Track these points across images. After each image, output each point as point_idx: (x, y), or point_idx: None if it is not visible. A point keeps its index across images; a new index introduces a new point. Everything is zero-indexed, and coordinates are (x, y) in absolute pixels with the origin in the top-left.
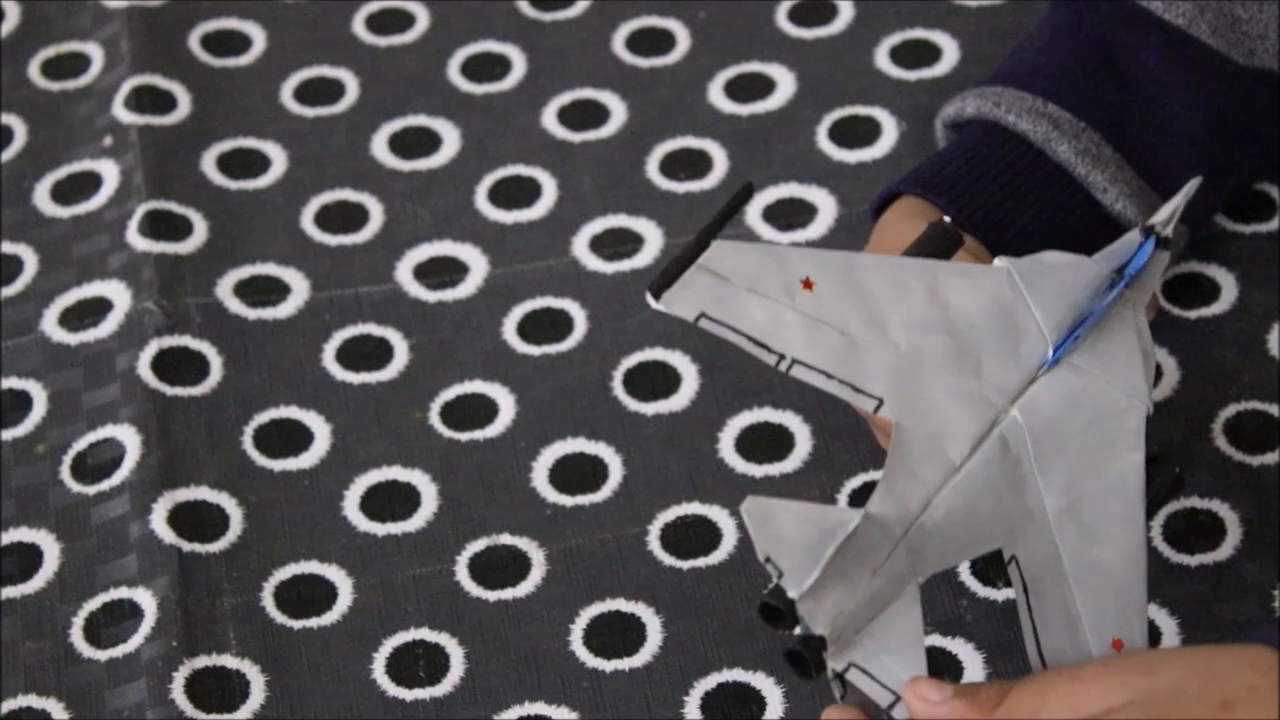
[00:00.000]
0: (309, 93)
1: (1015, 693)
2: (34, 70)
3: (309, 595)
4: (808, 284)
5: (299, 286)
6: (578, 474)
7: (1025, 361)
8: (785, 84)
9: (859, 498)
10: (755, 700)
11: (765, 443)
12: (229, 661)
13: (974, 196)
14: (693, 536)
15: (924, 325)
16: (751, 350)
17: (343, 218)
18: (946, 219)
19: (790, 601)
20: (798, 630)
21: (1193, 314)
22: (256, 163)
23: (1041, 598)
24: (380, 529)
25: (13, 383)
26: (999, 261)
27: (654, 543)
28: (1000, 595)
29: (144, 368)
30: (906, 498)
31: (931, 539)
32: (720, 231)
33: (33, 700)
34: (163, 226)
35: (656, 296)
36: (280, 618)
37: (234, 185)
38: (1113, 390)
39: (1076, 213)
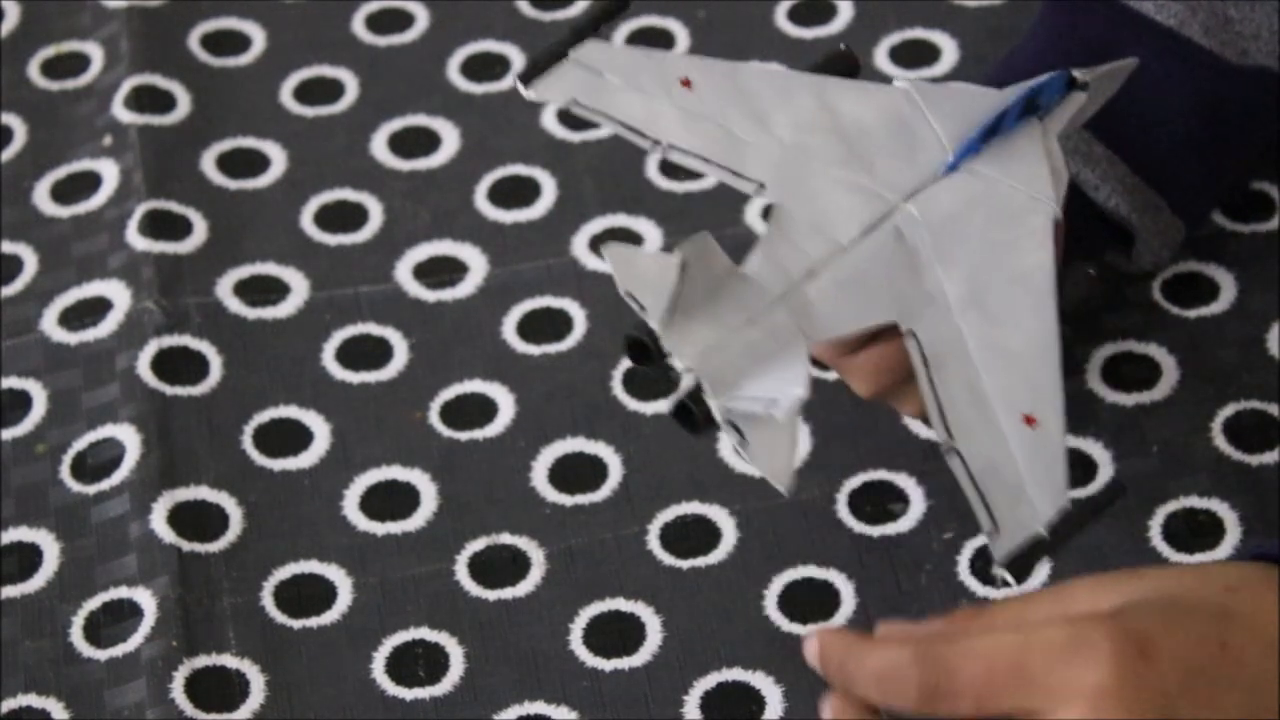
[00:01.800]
0: (309, 93)
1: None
2: (34, 70)
3: (309, 595)
4: (686, 83)
5: (299, 286)
6: (578, 474)
7: (922, 167)
8: None
9: (859, 498)
10: (755, 700)
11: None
12: (229, 661)
13: None
14: (692, 536)
15: (810, 126)
16: (626, 136)
17: (342, 217)
18: (843, 45)
19: (653, 333)
20: (673, 375)
21: (1192, 314)
22: (256, 163)
23: (943, 372)
24: (380, 529)
25: (13, 382)
26: (899, 81)
27: (654, 542)
28: (1001, 595)
29: (144, 367)
30: (786, 264)
31: (818, 305)
32: (595, 33)
33: (33, 700)
34: (162, 226)
35: (525, 84)
36: (280, 617)
37: (234, 185)
38: (1017, 193)
39: (1070, 212)
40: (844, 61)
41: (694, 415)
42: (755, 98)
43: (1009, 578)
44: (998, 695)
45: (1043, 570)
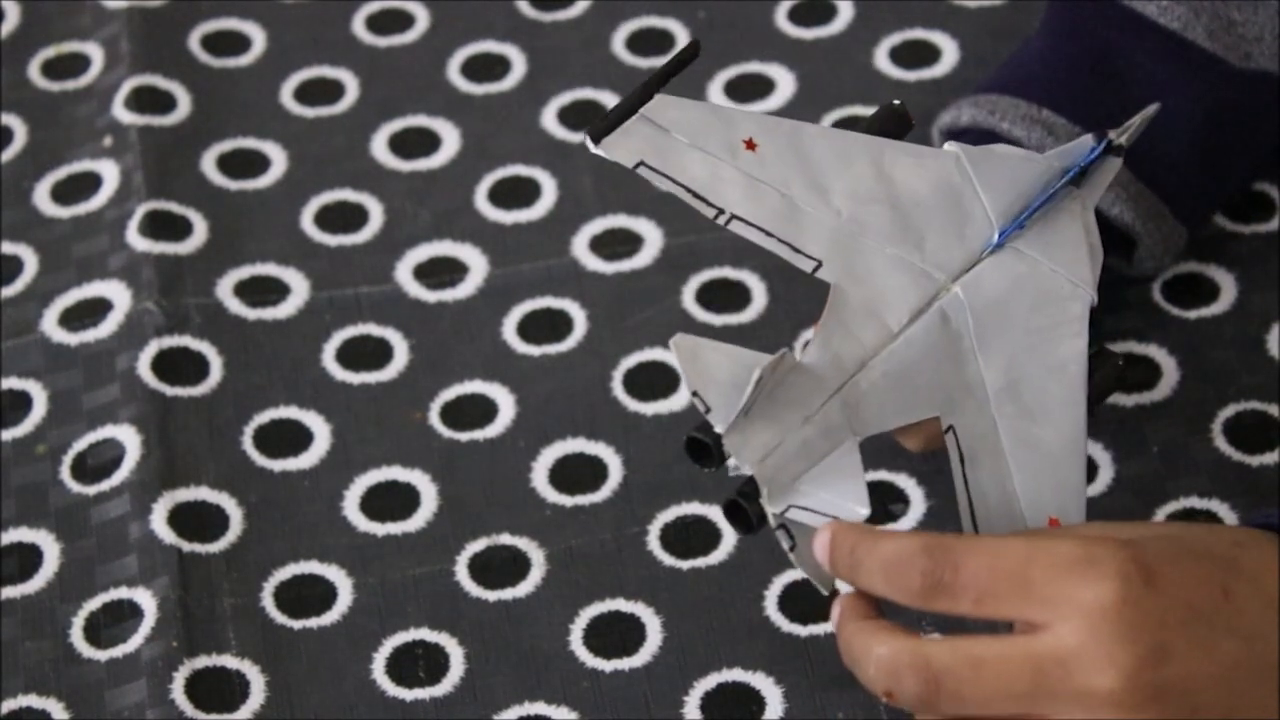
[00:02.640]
0: (309, 93)
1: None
2: (34, 70)
3: (309, 595)
4: (750, 144)
5: (299, 286)
6: (578, 474)
7: (969, 243)
8: (785, 84)
9: None
10: (755, 700)
11: None
12: (229, 661)
13: None
14: (692, 536)
15: (867, 196)
16: (690, 202)
17: (343, 218)
18: (897, 101)
19: (716, 436)
20: (729, 470)
21: (1192, 314)
22: (256, 163)
23: (978, 469)
24: (380, 529)
25: (13, 383)
26: (949, 146)
27: (654, 543)
28: None
29: (144, 368)
30: (841, 355)
31: (867, 398)
32: (664, 86)
33: (33, 700)
34: (163, 226)
35: (596, 142)
36: (280, 618)
37: (234, 185)
38: (1057, 277)
39: None
40: (897, 119)
41: (748, 515)
42: (816, 164)
43: None
44: (998, 597)
45: None
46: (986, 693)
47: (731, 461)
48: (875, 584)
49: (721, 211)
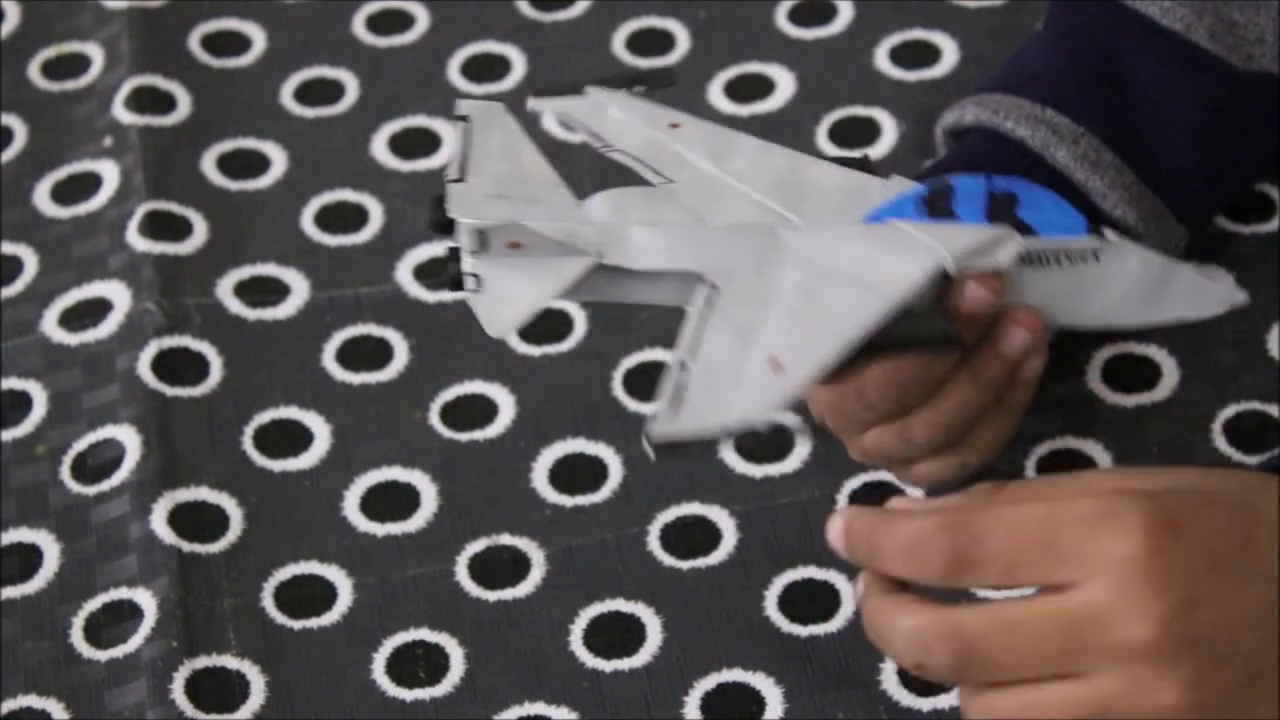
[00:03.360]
0: (309, 93)
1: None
2: (34, 70)
3: (309, 595)
4: (675, 125)
5: (299, 287)
6: (578, 474)
7: (849, 220)
8: (785, 84)
9: (858, 498)
10: (755, 700)
11: (765, 443)
12: (229, 661)
13: None
14: (692, 536)
15: (763, 168)
16: (588, 140)
17: (343, 218)
18: (866, 154)
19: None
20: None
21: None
22: (256, 163)
23: (721, 323)
24: (380, 529)
25: (13, 383)
26: (895, 176)
27: (654, 543)
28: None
29: (144, 368)
30: (627, 210)
31: (633, 240)
32: (621, 88)
33: (33, 700)
34: (163, 227)
35: (535, 95)
36: (280, 618)
37: (234, 185)
38: (917, 237)
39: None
40: (860, 164)
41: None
42: (728, 144)
43: (650, 451)
44: (1026, 565)
45: None
46: (1021, 656)
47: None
48: (897, 568)
49: (609, 145)
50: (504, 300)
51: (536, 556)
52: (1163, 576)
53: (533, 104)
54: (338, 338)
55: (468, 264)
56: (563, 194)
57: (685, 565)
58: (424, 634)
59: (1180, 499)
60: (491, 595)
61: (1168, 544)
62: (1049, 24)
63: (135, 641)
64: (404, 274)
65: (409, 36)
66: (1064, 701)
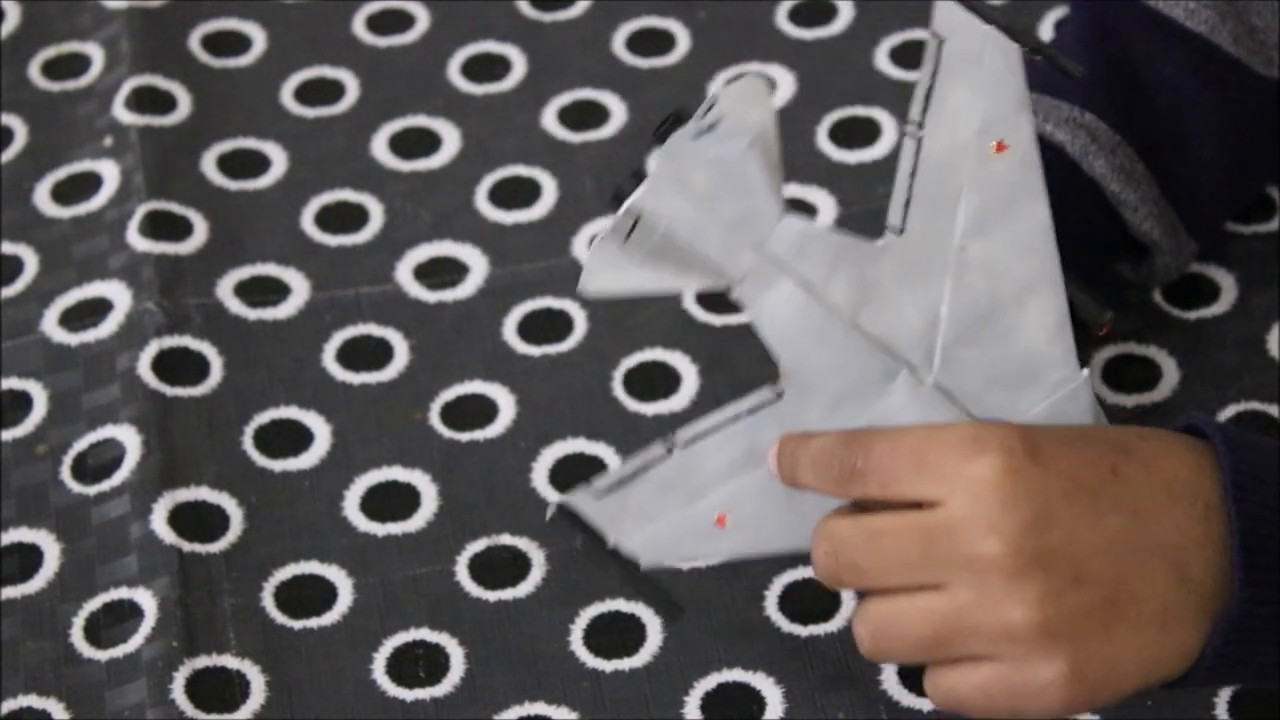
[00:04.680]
0: (309, 93)
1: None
2: (34, 70)
3: (309, 595)
4: (1000, 147)
5: (299, 286)
6: (578, 474)
7: (983, 399)
8: (785, 84)
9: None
10: (755, 700)
11: None
12: (229, 661)
13: None
14: None
15: (993, 276)
16: (915, 99)
17: (343, 218)
18: (1111, 315)
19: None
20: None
21: (1193, 314)
22: (256, 163)
23: (744, 435)
24: (380, 529)
25: (13, 383)
26: (1085, 376)
27: None
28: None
29: (144, 368)
30: (802, 258)
31: (772, 293)
32: (1028, 47)
33: (33, 700)
34: (163, 227)
35: (618, 202)
36: (280, 618)
37: (234, 185)
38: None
39: (1101, 227)
40: (1093, 317)
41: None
42: (1008, 216)
43: (550, 509)
44: (898, 478)
45: None
46: (881, 561)
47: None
48: (808, 477)
49: (920, 127)
50: (617, 263)
51: (536, 556)
52: (1014, 495)
53: (939, 5)
54: (338, 338)
55: (634, 200)
56: (771, 202)
57: (686, 565)
58: (424, 634)
59: (1050, 432)
60: (491, 595)
61: (1025, 466)
62: (1075, 23)
63: (135, 641)
64: (404, 274)
65: (409, 36)
66: (922, 610)
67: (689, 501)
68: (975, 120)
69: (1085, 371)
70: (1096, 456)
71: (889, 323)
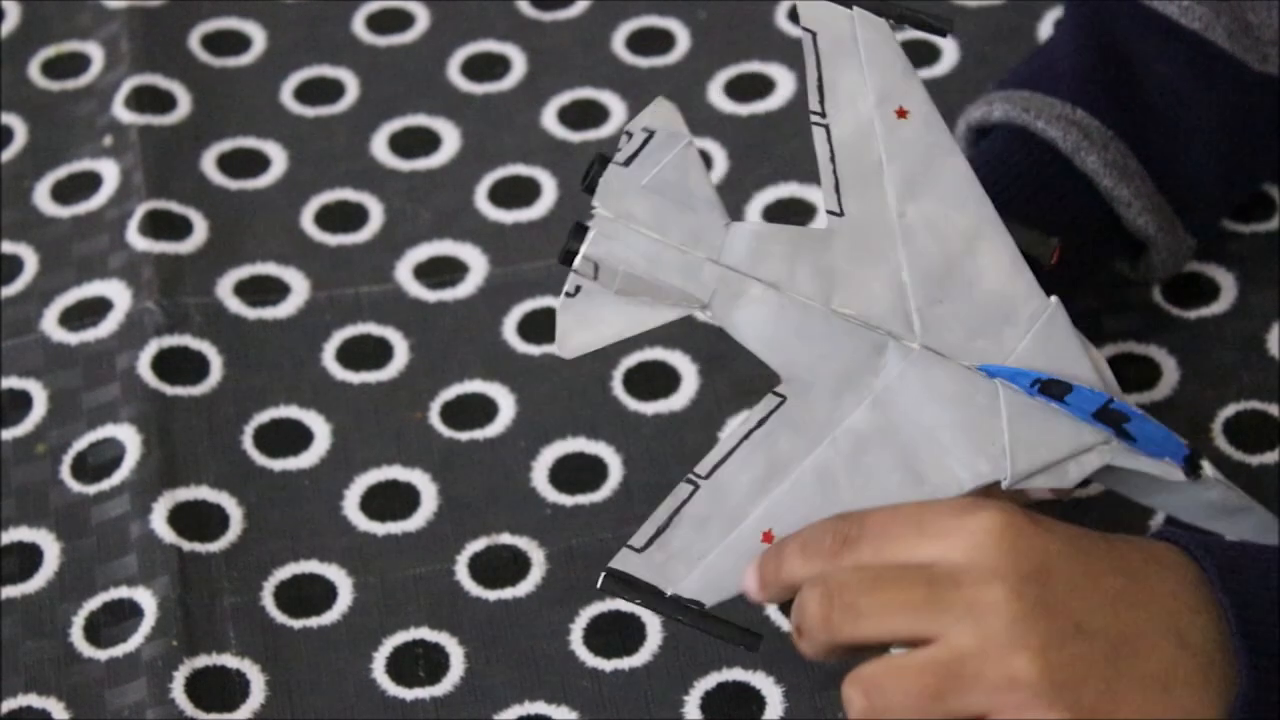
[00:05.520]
0: (309, 93)
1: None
2: (34, 70)
3: (309, 595)
4: (902, 113)
5: (299, 286)
6: (578, 474)
7: (971, 346)
8: (785, 84)
9: None
10: (755, 700)
11: None
12: (229, 661)
13: (998, 206)
14: None
15: (937, 233)
16: (810, 92)
17: (343, 218)
18: (1056, 242)
19: (604, 164)
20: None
21: (1192, 314)
22: (256, 163)
23: (761, 447)
24: (380, 529)
25: (13, 382)
26: (1054, 301)
27: None
28: None
29: (144, 367)
30: (765, 254)
31: (743, 302)
32: (892, 17)
33: (33, 700)
34: (163, 226)
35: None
36: (280, 617)
37: (234, 185)
38: (995, 436)
39: (1096, 223)
40: (1038, 247)
41: (577, 235)
42: (931, 174)
43: (599, 581)
44: (895, 538)
45: None
46: (882, 603)
47: (596, 202)
48: (795, 565)
49: (823, 117)
50: (588, 319)
51: (536, 556)
52: (1016, 546)
53: (800, 3)
54: (338, 337)
55: (585, 257)
56: (714, 214)
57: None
58: (424, 633)
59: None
60: (491, 595)
61: (1024, 524)
62: (1070, 20)
63: (135, 641)
64: (404, 273)
65: (409, 36)
66: (920, 662)
67: (730, 528)
68: (870, 95)
69: (1054, 298)
70: (1087, 532)
71: (861, 301)
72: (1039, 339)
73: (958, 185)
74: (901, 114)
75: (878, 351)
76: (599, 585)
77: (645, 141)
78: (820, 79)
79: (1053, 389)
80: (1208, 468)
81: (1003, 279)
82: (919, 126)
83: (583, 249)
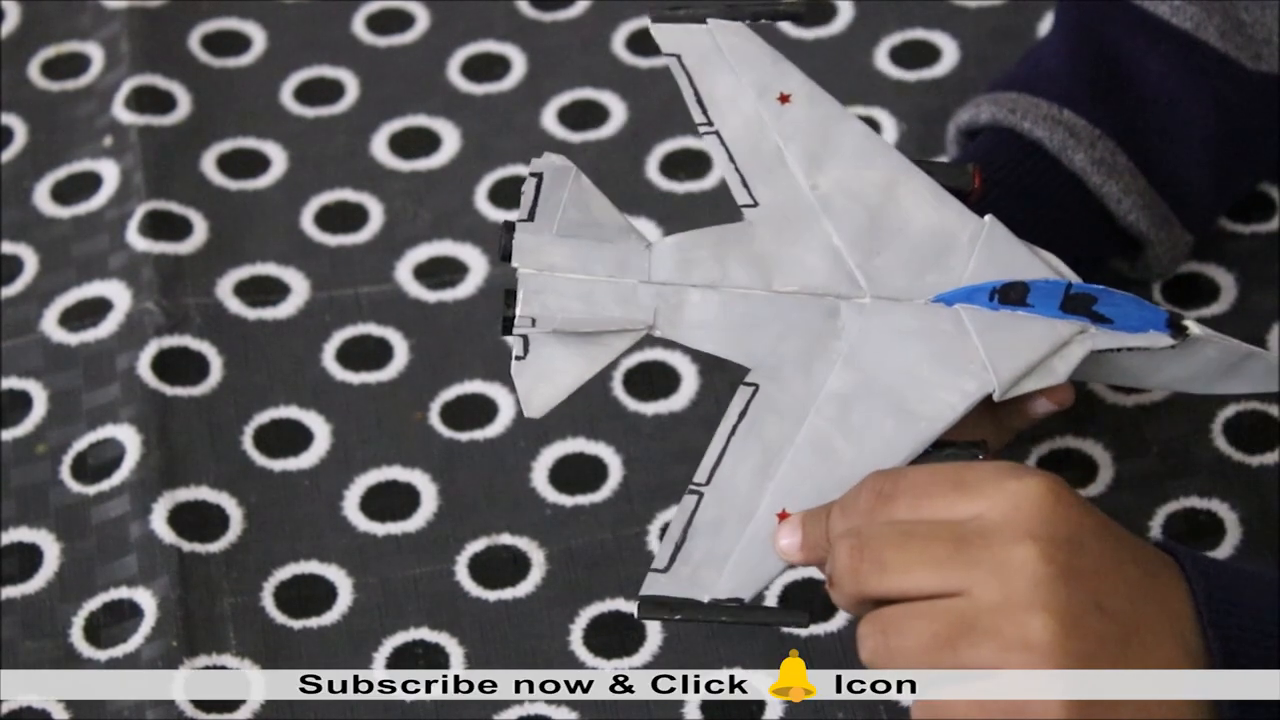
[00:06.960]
0: (309, 93)
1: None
2: (34, 70)
3: (309, 595)
4: (785, 98)
5: (299, 286)
6: (578, 474)
7: (921, 284)
8: None
9: None
10: (755, 700)
11: None
12: (229, 661)
13: (988, 207)
14: None
15: (855, 194)
16: (691, 108)
17: (343, 218)
18: (971, 167)
19: (512, 226)
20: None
21: (1192, 314)
22: (256, 163)
23: (753, 433)
24: (380, 529)
25: (13, 383)
26: (988, 219)
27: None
28: None
29: (144, 368)
30: (693, 260)
31: (689, 308)
32: (747, 19)
33: (33, 699)
34: (163, 226)
35: (655, 22)
36: (280, 618)
37: (234, 185)
38: (975, 355)
39: (1088, 223)
40: (958, 177)
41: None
42: (831, 145)
43: (636, 611)
44: (933, 495)
45: None
46: (910, 557)
47: (515, 261)
48: (835, 522)
49: (710, 124)
50: (545, 373)
51: (536, 556)
52: (1054, 513)
53: (654, 29)
54: (338, 337)
55: (521, 316)
56: (632, 238)
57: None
58: (424, 634)
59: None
60: (491, 595)
61: (1067, 494)
62: (1060, 22)
63: (135, 641)
64: (404, 274)
65: (409, 36)
66: (939, 607)
67: (745, 522)
68: (749, 91)
69: (989, 216)
70: (1111, 521)
71: (799, 276)
72: (984, 256)
73: (859, 145)
74: (784, 99)
75: (832, 315)
76: (636, 615)
77: (538, 187)
78: (697, 94)
79: (1011, 293)
80: (1194, 325)
81: (931, 214)
82: (805, 105)
83: (517, 310)
